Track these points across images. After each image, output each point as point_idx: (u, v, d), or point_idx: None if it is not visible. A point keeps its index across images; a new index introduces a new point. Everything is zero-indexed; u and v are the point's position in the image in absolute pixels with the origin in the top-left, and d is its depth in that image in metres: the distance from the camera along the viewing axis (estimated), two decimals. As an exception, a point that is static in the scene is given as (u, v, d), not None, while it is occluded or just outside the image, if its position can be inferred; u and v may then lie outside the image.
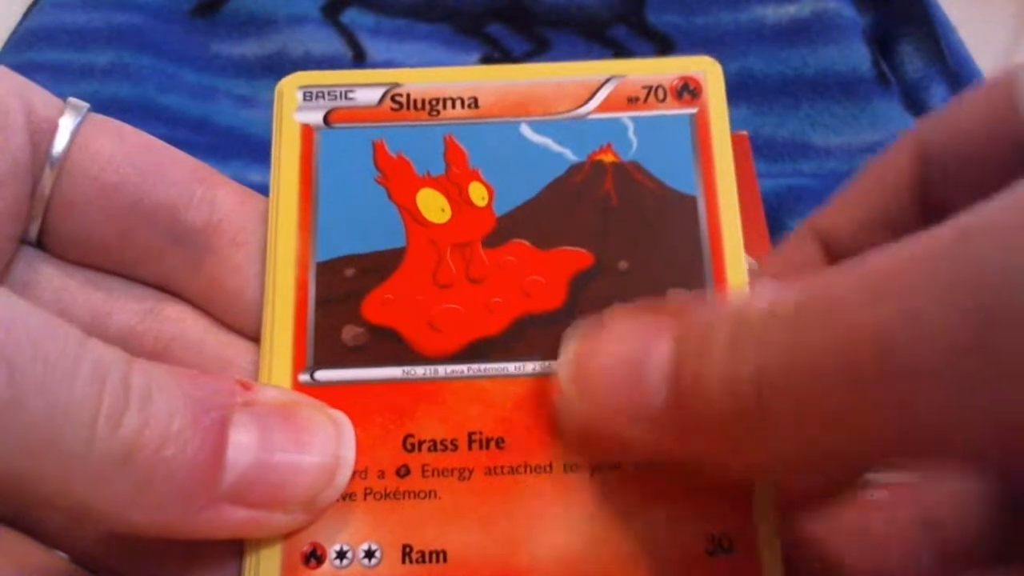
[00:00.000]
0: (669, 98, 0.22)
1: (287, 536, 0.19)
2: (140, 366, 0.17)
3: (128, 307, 0.21)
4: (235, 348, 0.21)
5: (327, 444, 0.19)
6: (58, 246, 0.21)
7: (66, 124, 0.20)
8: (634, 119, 0.22)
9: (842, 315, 0.14)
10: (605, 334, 0.18)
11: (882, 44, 0.44)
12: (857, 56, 0.42)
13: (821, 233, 0.22)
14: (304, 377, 0.20)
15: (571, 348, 0.19)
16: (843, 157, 0.41)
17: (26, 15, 0.44)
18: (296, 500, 0.18)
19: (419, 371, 0.20)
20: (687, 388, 0.17)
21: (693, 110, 0.22)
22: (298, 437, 0.18)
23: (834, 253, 0.22)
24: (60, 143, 0.20)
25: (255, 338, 0.21)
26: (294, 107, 0.22)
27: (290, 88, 0.22)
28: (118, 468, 0.16)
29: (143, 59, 0.41)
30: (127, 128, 0.21)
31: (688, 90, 0.22)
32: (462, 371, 0.20)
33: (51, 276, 0.21)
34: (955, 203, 0.20)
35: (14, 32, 0.43)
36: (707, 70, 0.22)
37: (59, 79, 0.40)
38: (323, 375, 0.20)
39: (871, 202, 0.21)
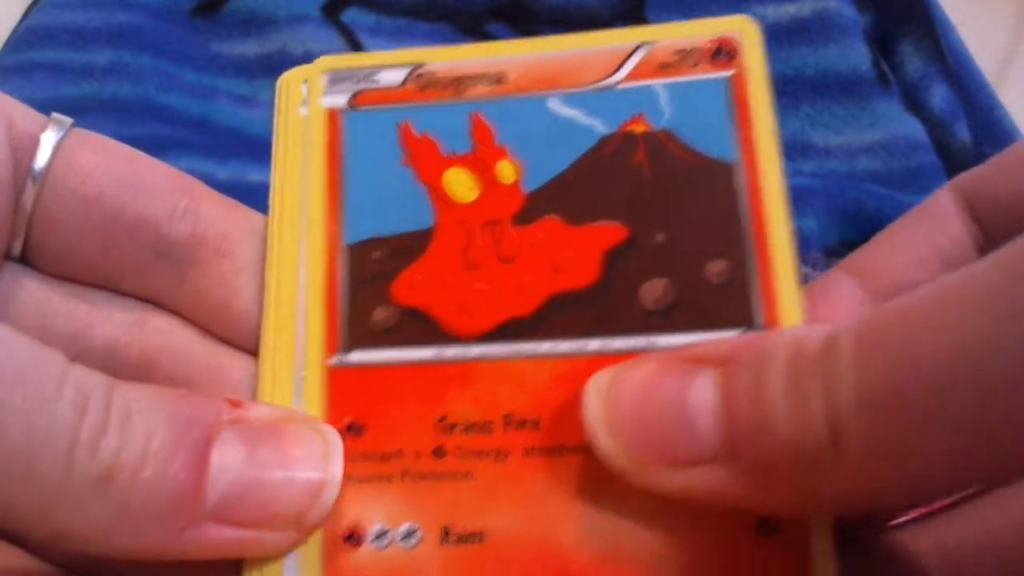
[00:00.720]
0: (703, 62, 0.21)
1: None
2: (122, 388, 0.17)
3: (113, 319, 0.21)
4: (224, 357, 0.21)
5: (315, 460, 0.19)
6: (42, 260, 0.21)
7: (48, 139, 0.20)
8: (667, 86, 0.21)
9: (910, 342, 0.14)
10: (633, 374, 0.18)
11: (882, 44, 0.44)
12: (857, 56, 0.43)
13: (860, 270, 0.22)
14: (336, 360, 0.20)
15: (597, 396, 0.18)
16: (843, 157, 0.41)
17: (26, 14, 0.44)
18: (284, 517, 0.18)
19: (450, 352, 0.20)
20: (747, 430, 0.16)
21: (729, 72, 0.21)
22: (285, 453, 0.18)
23: (878, 290, 0.21)
24: (42, 158, 0.20)
25: (243, 347, 0.21)
26: (320, 93, 0.22)
27: (315, 74, 0.22)
28: (97, 492, 0.16)
29: (143, 58, 0.41)
30: (110, 142, 0.21)
31: (723, 52, 0.21)
32: (494, 352, 0.20)
33: (35, 290, 0.21)
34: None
35: (14, 31, 0.43)
36: (743, 29, 0.21)
37: (59, 78, 0.40)
38: (356, 356, 0.20)
39: (919, 238, 0.21)
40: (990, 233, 0.21)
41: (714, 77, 0.21)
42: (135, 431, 0.17)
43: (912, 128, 0.41)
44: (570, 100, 0.21)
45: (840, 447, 0.15)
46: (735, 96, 0.21)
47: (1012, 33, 0.47)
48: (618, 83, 0.21)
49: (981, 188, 0.21)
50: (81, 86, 0.40)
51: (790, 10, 0.44)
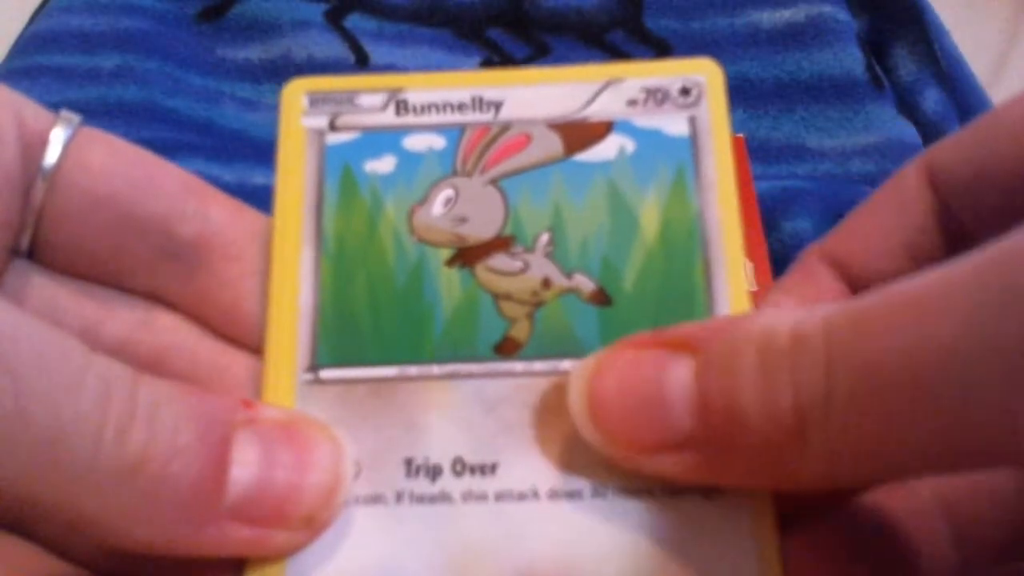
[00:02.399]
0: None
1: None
2: (147, 381, 0.17)
3: (121, 317, 0.21)
4: (229, 356, 0.21)
5: (327, 462, 0.19)
6: (50, 257, 0.21)
7: (58, 136, 0.20)
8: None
9: (885, 337, 0.15)
10: (613, 362, 0.18)
11: (876, 48, 0.45)
12: (851, 60, 0.43)
13: (835, 259, 0.22)
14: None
15: (579, 381, 0.18)
16: (837, 159, 0.42)
17: (32, 19, 0.44)
18: (297, 517, 0.18)
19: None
20: (718, 416, 0.17)
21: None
22: (299, 455, 0.18)
23: (852, 279, 0.22)
24: (52, 155, 0.20)
25: (248, 348, 0.21)
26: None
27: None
28: (124, 482, 0.16)
29: (149, 63, 0.41)
30: (119, 141, 0.21)
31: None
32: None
33: (43, 286, 0.21)
34: (979, 225, 0.20)
35: (20, 36, 0.43)
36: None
37: (66, 82, 0.41)
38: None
39: (888, 227, 0.21)
40: (952, 210, 0.21)
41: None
42: (163, 424, 0.17)
43: (905, 131, 0.42)
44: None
45: (806, 437, 0.16)
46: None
47: (1005, 37, 0.48)
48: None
49: (944, 163, 0.21)
50: (87, 90, 0.40)
51: (785, 15, 0.44)
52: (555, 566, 0.19)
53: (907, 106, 0.43)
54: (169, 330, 0.21)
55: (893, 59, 0.44)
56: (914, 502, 0.20)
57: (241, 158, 0.40)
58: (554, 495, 0.19)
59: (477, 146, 0.22)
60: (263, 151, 0.39)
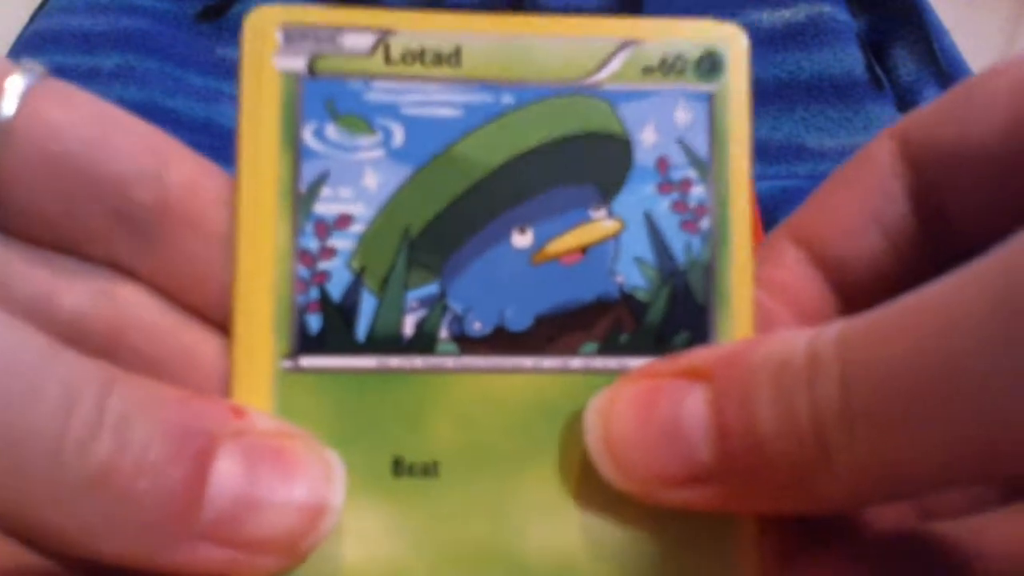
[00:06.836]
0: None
1: None
2: (122, 386, 0.16)
3: (78, 287, 0.19)
4: (195, 333, 0.20)
5: (315, 486, 0.18)
6: (3, 221, 0.19)
7: (14, 86, 0.18)
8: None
9: (900, 347, 0.15)
10: (628, 395, 0.18)
11: (876, 47, 0.45)
12: (851, 59, 0.43)
13: (803, 239, 0.21)
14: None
15: (595, 416, 0.18)
16: (837, 159, 0.42)
17: (32, 19, 0.44)
18: (278, 542, 0.17)
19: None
20: (737, 444, 0.16)
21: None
22: (285, 476, 0.17)
23: (821, 259, 0.21)
24: (7, 108, 0.18)
25: (216, 322, 0.20)
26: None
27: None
28: (86, 495, 0.16)
29: (149, 63, 0.41)
30: (81, 94, 0.19)
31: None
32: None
33: None
34: (955, 198, 0.20)
35: (20, 36, 0.43)
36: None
37: (66, 82, 0.41)
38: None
39: (858, 202, 0.20)
40: (927, 183, 0.20)
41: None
42: (133, 436, 0.16)
43: (905, 131, 0.42)
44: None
45: (828, 455, 0.15)
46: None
47: (1005, 37, 0.48)
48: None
49: (919, 134, 0.20)
50: (87, 90, 0.40)
51: (785, 15, 0.44)
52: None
53: (907, 106, 0.43)
54: (130, 303, 0.20)
55: (893, 59, 0.44)
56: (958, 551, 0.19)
57: (241, 158, 0.39)
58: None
59: None
60: (263, 151, 0.39)
